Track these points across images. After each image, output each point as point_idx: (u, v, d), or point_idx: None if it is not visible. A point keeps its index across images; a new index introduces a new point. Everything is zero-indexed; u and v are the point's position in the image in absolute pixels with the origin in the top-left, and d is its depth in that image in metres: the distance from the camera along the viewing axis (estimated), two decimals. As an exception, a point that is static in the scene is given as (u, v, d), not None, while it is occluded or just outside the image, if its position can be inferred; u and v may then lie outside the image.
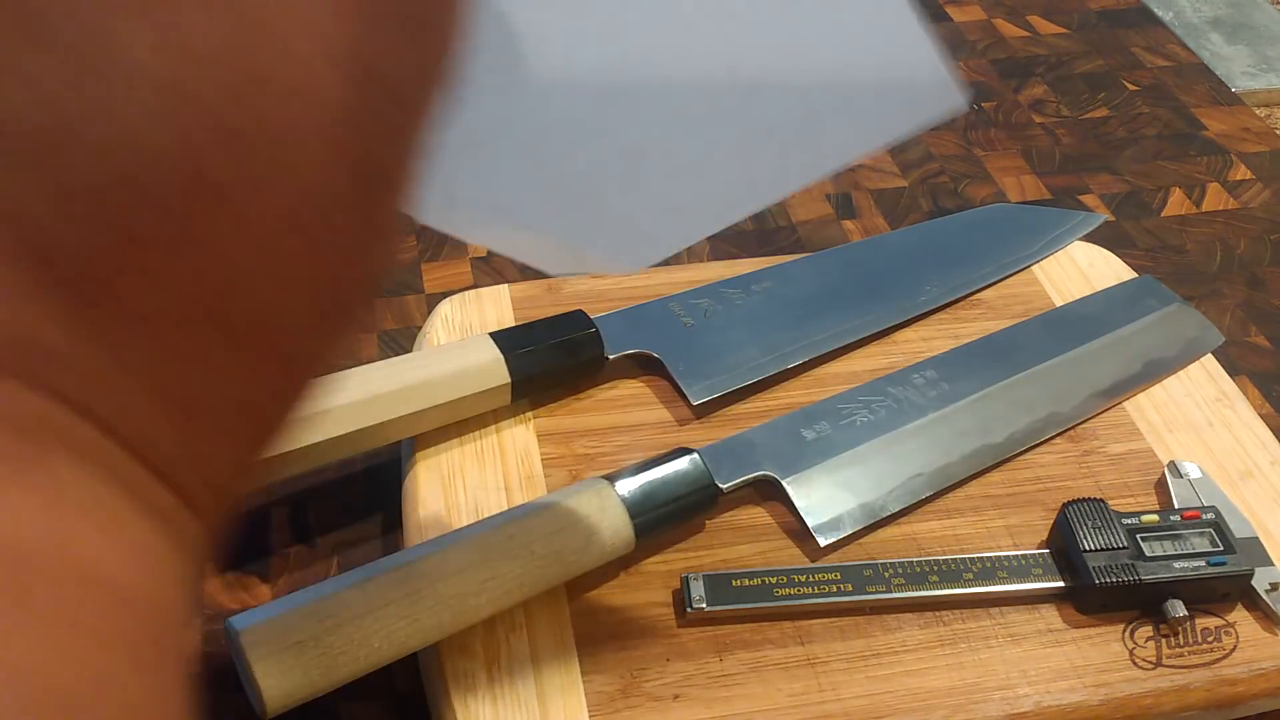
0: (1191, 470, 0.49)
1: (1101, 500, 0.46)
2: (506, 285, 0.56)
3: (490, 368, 0.49)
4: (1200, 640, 0.44)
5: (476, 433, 0.49)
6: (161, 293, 0.12)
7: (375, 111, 0.14)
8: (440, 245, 0.64)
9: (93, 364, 0.12)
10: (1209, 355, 0.56)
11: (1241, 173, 0.72)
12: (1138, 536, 0.45)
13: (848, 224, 0.67)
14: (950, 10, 0.86)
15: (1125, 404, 0.53)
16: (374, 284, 0.15)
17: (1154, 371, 0.55)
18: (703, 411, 0.52)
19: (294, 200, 0.13)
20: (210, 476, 0.14)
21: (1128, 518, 0.46)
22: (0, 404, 0.12)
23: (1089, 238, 0.63)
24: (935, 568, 0.45)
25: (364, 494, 0.51)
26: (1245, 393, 0.55)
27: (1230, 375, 0.55)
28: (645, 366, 0.53)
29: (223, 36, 0.12)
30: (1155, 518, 0.46)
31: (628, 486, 0.44)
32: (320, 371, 0.15)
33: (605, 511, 0.43)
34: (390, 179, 0.14)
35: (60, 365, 0.12)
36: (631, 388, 0.53)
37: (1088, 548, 0.45)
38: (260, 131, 0.12)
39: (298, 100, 0.13)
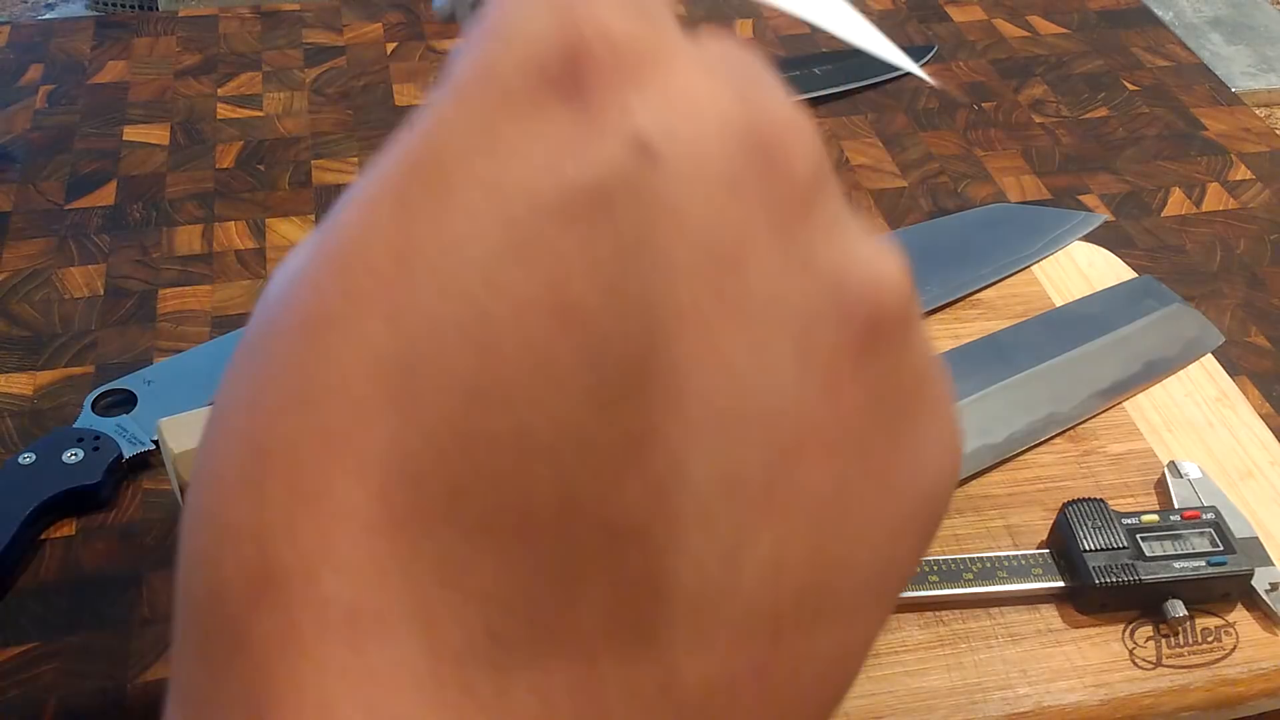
0: (1191, 470, 0.49)
1: (1101, 500, 0.46)
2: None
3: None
4: (1200, 640, 0.44)
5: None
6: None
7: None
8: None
9: None
10: (1209, 355, 0.56)
11: (1241, 173, 0.72)
12: (1138, 536, 0.45)
13: (848, 224, 0.67)
14: (950, 10, 0.86)
15: (1125, 404, 0.53)
16: None
17: (1154, 371, 0.55)
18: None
19: (848, 675, 0.16)
20: None
21: (1128, 518, 0.46)
22: None
23: (1089, 238, 0.63)
24: (935, 568, 0.45)
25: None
26: (1245, 393, 0.55)
27: (1230, 375, 0.55)
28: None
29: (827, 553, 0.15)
30: (1155, 518, 0.46)
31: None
32: None
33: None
34: None
35: None
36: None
37: (1088, 548, 0.45)
38: (849, 640, 0.15)
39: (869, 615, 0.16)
